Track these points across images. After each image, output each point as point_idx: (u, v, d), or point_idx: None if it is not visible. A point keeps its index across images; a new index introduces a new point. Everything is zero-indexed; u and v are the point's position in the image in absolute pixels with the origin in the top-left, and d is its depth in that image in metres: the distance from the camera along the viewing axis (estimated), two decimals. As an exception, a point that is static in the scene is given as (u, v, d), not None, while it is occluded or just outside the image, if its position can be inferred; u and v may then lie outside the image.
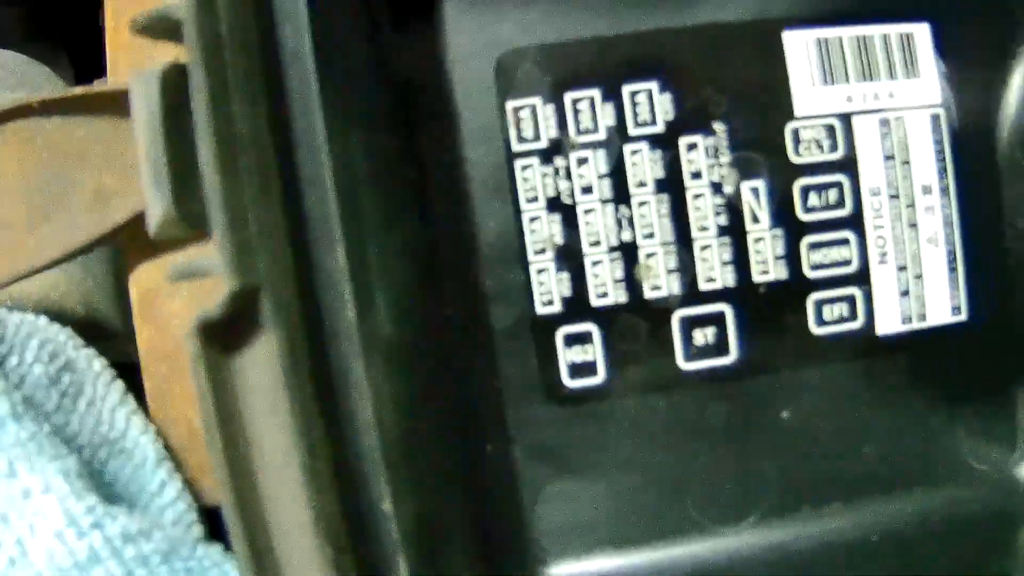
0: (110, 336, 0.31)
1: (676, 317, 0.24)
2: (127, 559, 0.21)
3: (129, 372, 0.28)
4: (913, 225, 0.24)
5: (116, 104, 0.26)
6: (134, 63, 0.27)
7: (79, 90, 0.27)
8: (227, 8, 0.18)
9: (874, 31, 0.24)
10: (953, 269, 0.24)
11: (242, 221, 0.17)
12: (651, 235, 0.23)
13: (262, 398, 0.19)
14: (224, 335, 0.18)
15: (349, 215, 0.19)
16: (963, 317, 0.25)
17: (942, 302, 0.24)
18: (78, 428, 0.24)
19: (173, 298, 0.26)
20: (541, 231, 0.23)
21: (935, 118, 0.24)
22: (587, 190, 0.23)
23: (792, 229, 0.24)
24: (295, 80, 0.19)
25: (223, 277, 0.17)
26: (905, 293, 0.24)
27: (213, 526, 0.25)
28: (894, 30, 0.24)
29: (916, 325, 0.24)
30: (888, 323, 0.24)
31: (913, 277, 0.24)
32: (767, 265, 0.24)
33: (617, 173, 0.23)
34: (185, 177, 0.18)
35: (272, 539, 0.19)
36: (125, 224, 0.26)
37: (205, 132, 0.17)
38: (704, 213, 0.23)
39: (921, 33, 0.25)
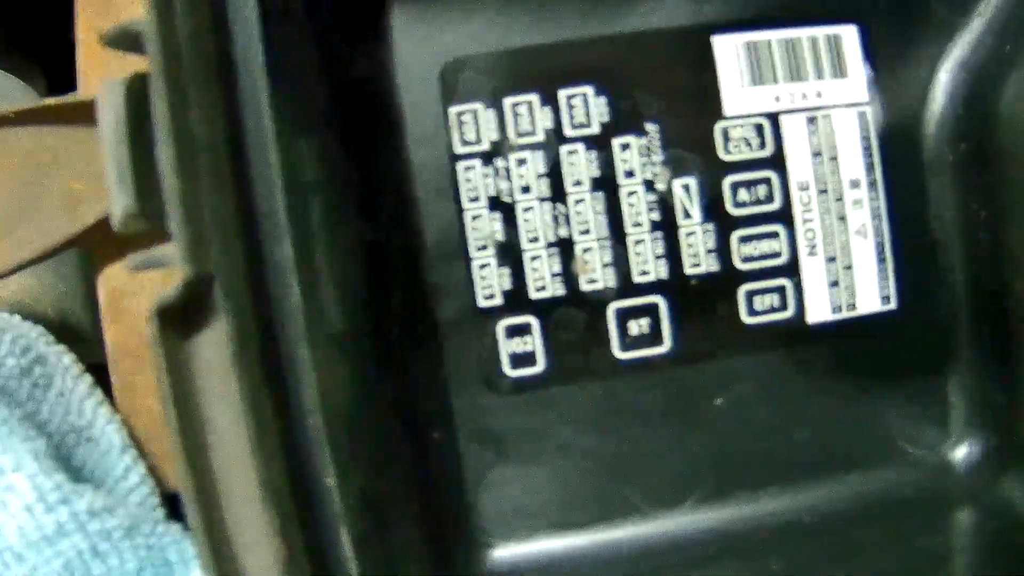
0: (81, 339, 0.36)
1: (611, 309, 0.28)
2: (92, 533, 0.26)
3: (98, 373, 0.32)
4: (842, 218, 0.29)
5: (86, 114, 0.31)
6: (103, 75, 0.31)
7: (51, 101, 0.31)
8: (185, 21, 0.23)
9: (802, 33, 0.29)
10: (882, 260, 0.29)
11: (197, 215, 0.22)
12: (587, 231, 0.28)
13: (215, 379, 0.23)
14: (181, 320, 0.23)
15: (296, 212, 0.23)
16: (893, 306, 0.29)
17: (871, 292, 0.29)
18: (48, 416, 0.29)
19: (138, 297, 0.31)
20: (482, 228, 0.28)
21: (862, 115, 0.29)
22: (526, 189, 0.28)
23: (722, 223, 0.28)
24: (247, 87, 0.23)
25: (179, 266, 0.22)
26: (835, 283, 0.29)
27: (174, 510, 0.30)
28: (822, 32, 0.29)
29: (846, 314, 0.29)
30: (818, 312, 0.29)
31: (843, 268, 0.29)
32: (699, 258, 0.28)
33: (554, 173, 0.28)
34: (146, 176, 0.22)
35: (224, 511, 0.23)
36: (94, 226, 0.31)
37: (165, 135, 0.22)
38: (637, 209, 0.28)
39: (849, 35, 0.29)
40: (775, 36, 0.29)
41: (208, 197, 0.22)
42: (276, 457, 0.23)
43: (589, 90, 0.28)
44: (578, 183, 0.28)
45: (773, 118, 0.28)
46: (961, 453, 0.30)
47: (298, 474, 0.24)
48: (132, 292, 0.31)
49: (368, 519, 0.24)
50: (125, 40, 0.23)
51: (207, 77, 0.23)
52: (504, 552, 0.28)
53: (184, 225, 0.22)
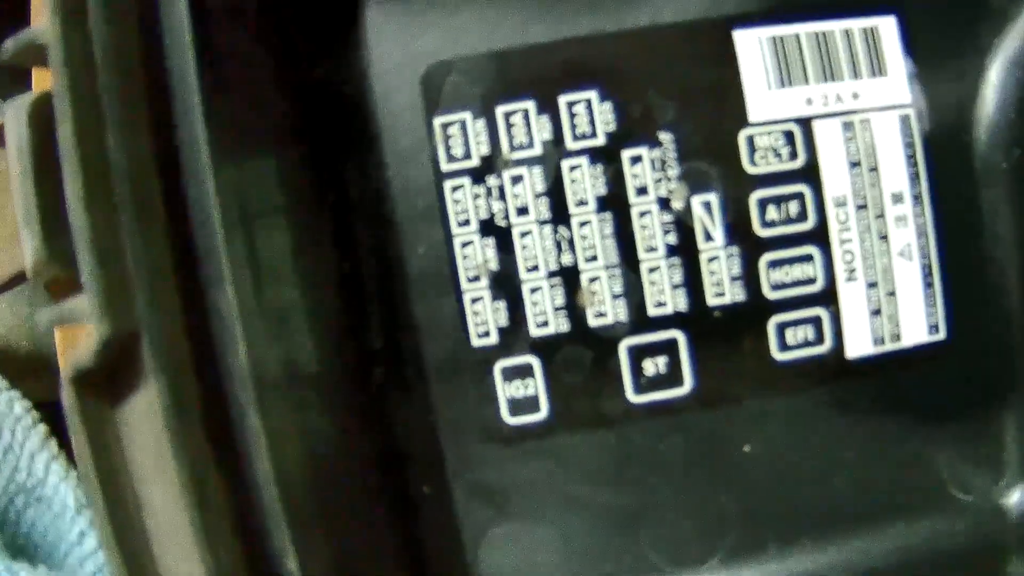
0: (56, 372, 0.30)
1: (624, 346, 0.22)
2: None
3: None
4: (884, 237, 0.23)
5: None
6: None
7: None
8: (101, 28, 0.17)
9: (835, 26, 0.23)
10: (929, 284, 0.23)
11: (114, 260, 0.16)
12: (594, 258, 0.22)
13: (149, 452, 0.17)
14: (104, 384, 0.17)
15: (238, 249, 0.17)
16: (941, 336, 0.23)
17: (918, 320, 0.23)
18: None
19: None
20: (474, 256, 0.22)
21: (904, 119, 0.23)
22: (523, 211, 0.22)
23: (749, 246, 0.22)
24: (182, 103, 0.18)
25: (94, 323, 0.16)
26: (876, 312, 0.23)
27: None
28: (857, 25, 0.23)
29: (890, 347, 0.23)
30: (858, 345, 0.23)
31: (885, 295, 0.23)
32: (722, 287, 0.22)
33: (555, 191, 0.22)
34: (56, 214, 0.17)
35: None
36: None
37: (70, 164, 0.16)
38: (651, 232, 0.22)
39: (887, 27, 0.23)
40: (804, 30, 0.23)
41: (131, 237, 0.16)
42: (226, 542, 0.17)
43: (593, 95, 0.22)
44: (582, 203, 0.22)
45: (805, 123, 0.22)
46: (1015, 498, 0.24)
47: (254, 559, 0.18)
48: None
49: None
50: (30, 54, 0.17)
51: (130, 93, 0.17)
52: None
53: (97, 273, 0.16)
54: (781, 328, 0.22)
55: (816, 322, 0.22)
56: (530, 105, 0.22)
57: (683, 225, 0.22)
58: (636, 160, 0.22)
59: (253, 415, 0.17)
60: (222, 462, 0.17)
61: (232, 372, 0.17)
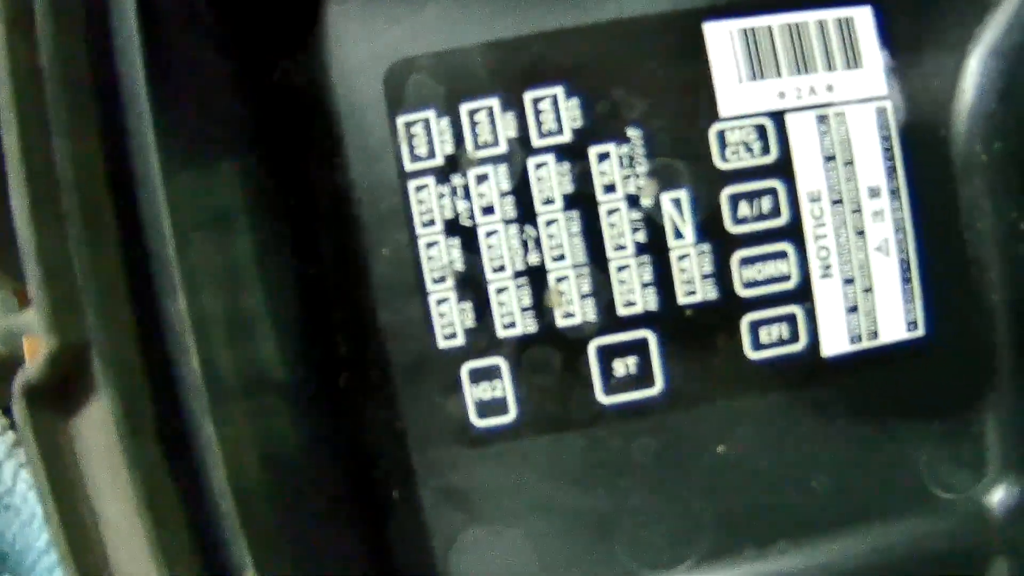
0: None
1: (593, 347, 0.22)
2: None
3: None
4: (860, 232, 0.23)
5: None
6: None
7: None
8: (48, 37, 0.17)
9: (808, 18, 0.23)
10: (907, 280, 0.23)
11: (63, 272, 0.16)
12: (561, 257, 0.22)
13: (103, 465, 0.17)
14: (56, 397, 0.17)
15: (191, 257, 0.17)
16: (920, 332, 0.23)
17: (896, 317, 0.23)
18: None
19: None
20: (439, 257, 0.22)
21: (881, 112, 0.23)
22: (488, 210, 0.22)
23: (721, 244, 0.22)
24: (131, 112, 0.18)
25: (43, 335, 0.16)
26: (853, 309, 0.23)
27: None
28: (831, 15, 0.23)
29: (867, 344, 0.23)
30: (835, 343, 0.23)
31: (862, 291, 0.23)
32: (693, 285, 0.22)
33: (521, 190, 0.22)
34: (6, 225, 0.17)
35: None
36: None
37: (16, 176, 0.16)
38: (620, 230, 0.22)
39: (862, 18, 0.23)
40: (776, 21, 0.22)
41: (79, 249, 0.17)
42: (182, 555, 0.18)
43: (559, 91, 0.22)
44: (549, 201, 0.22)
45: (777, 117, 0.22)
46: (998, 498, 0.24)
47: (213, 574, 0.18)
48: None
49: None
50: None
51: (78, 102, 0.17)
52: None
53: (44, 285, 0.16)
54: (755, 326, 0.22)
55: (791, 320, 0.22)
56: (495, 102, 0.22)
57: (653, 222, 0.22)
58: (604, 157, 0.22)
59: (207, 424, 0.17)
60: (177, 473, 0.18)
61: (186, 381, 0.18)
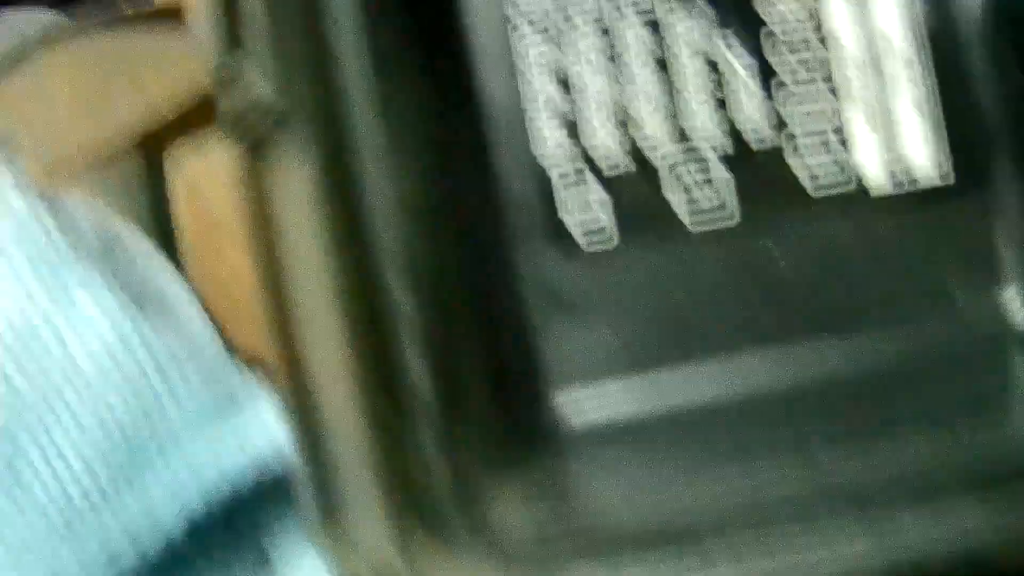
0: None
1: (676, 179, 0.28)
2: (156, 350, 0.25)
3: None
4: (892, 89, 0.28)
5: (165, 20, 0.31)
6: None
7: (130, 12, 0.32)
8: None
9: None
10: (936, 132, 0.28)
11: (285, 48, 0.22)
12: (644, 96, 0.27)
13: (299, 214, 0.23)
14: (265, 153, 0.23)
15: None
16: (951, 181, 0.28)
17: (929, 164, 0.28)
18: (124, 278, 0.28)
19: (216, 184, 0.30)
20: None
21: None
22: (583, 56, 0.27)
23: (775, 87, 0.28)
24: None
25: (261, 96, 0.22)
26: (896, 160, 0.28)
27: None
28: None
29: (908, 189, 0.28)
30: (880, 188, 0.28)
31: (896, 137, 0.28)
32: (756, 124, 0.28)
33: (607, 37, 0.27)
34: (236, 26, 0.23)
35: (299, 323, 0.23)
36: (170, 126, 0.31)
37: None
38: (695, 78, 0.27)
39: None
40: None
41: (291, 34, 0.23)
42: (348, 266, 0.23)
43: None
44: (630, 49, 0.27)
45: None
46: (1011, 294, 0.28)
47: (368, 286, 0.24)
48: (207, 182, 0.31)
49: (436, 343, 0.25)
50: None
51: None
52: (565, 395, 0.28)
53: (268, 54, 0.22)
54: (812, 170, 0.28)
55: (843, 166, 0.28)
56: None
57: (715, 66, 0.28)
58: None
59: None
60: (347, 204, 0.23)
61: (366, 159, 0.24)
